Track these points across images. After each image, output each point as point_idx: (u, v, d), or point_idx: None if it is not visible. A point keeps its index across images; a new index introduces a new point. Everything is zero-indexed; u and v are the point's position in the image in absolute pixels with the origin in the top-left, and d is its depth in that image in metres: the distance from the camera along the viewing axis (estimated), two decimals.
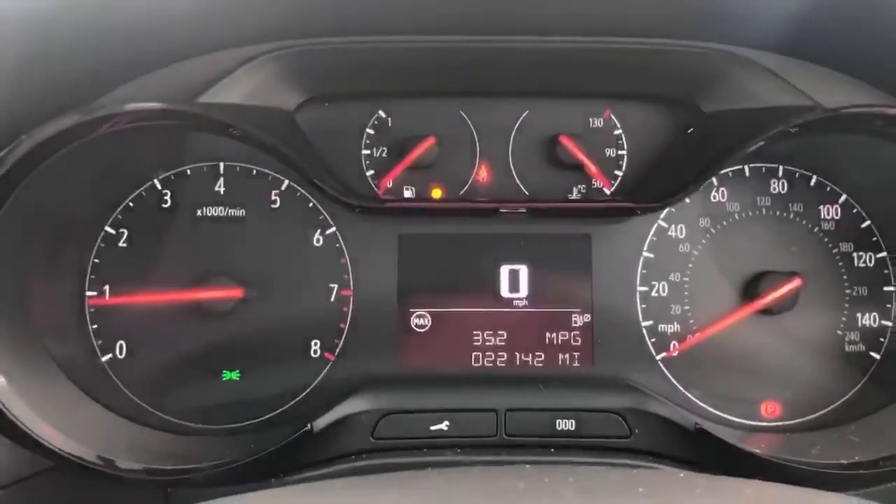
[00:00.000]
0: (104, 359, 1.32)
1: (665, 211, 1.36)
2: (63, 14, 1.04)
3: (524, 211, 1.31)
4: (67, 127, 1.05)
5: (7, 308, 1.15)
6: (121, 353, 1.32)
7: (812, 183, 1.38)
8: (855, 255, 1.37)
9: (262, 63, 1.23)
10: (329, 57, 1.25)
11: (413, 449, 1.20)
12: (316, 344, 1.34)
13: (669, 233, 1.37)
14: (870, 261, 1.37)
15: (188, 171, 1.35)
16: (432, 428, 1.23)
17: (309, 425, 1.17)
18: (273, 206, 1.36)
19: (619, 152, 1.38)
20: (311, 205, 1.36)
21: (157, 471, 1.11)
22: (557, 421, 1.24)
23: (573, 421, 1.24)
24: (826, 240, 1.37)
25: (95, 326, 1.32)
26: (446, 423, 1.23)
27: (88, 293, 1.33)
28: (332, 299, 1.35)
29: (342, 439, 1.20)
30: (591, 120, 1.39)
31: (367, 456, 1.19)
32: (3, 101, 1.09)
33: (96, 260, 1.33)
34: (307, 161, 1.22)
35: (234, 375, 1.33)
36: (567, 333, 1.36)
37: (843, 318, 1.36)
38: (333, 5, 1.15)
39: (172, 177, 1.35)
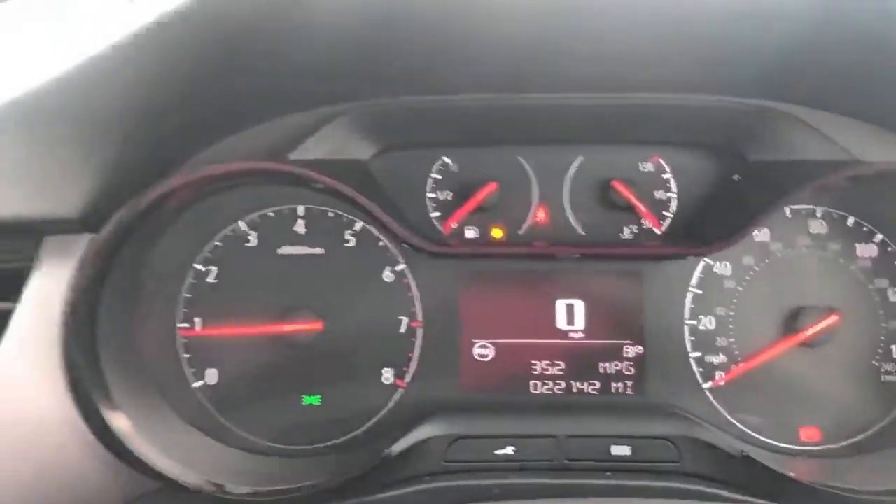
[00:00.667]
0: (197, 385, 1.45)
1: None
2: (169, 77, 1.16)
3: (579, 256, 1.43)
4: (175, 188, 1.18)
5: (121, 347, 1.28)
6: (211, 380, 1.45)
7: (849, 223, 1.48)
8: (890, 290, 1.47)
9: (343, 121, 1.35)
10: (401, 113, 1.38)
11: (481, 472, 1.31)
12: (388, 372, 1.46)
13: (715, 270, 1.47)
14: None
15: (270, 213, 1.48)
16: (498, 452, 1.34)
17: (388, 450, 1.29)
18: (347, 244, 1.49)
19: (668, 195, 1.49)
20: (381, 243, 1.48)
21: (261, 493, 1.23)
22: (612, 446, 1.34)
23: (627, 446, 1.34)
24: (862, 276, 1.47)
25: (188, 356, 1.45)
26: (511, 447, 1.34)
27: (181, 325, 1.45)
28: (402, 331, 1.47)
29: (416, 463, 1.31)
30: (640, 164, 1.50)
31: (438, 479, 1.30)
32: (114, 155, 1.22)
33: (188, 295, 1.46)
34: (384, 209, 1.33)
35: (315, 400, 1.45)
36: (620, 364, 1.46)
37: (879, 350, 1.46)
38: (407, 71, 1.27)
39: (256, 218, 1.48)
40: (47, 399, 1.20)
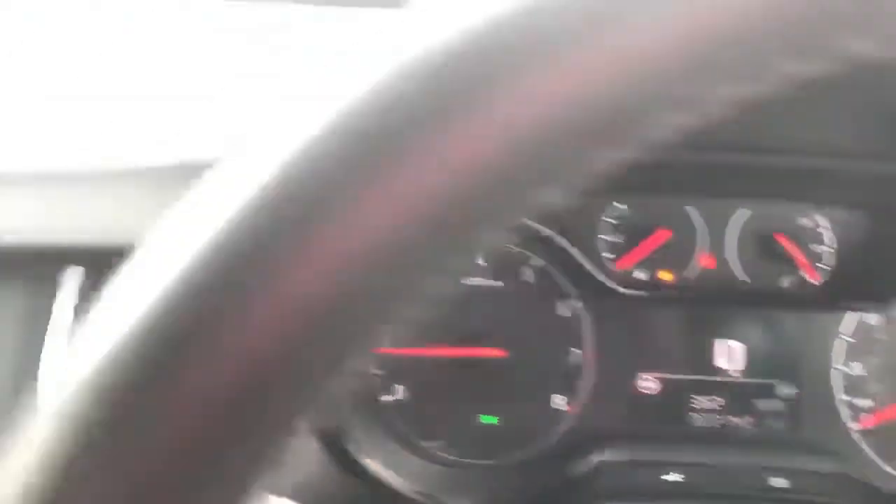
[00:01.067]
0: (388, 399, 1.60)
1: None
2: None
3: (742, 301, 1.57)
4: None
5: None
6: (400, 395, 1.61)
7: None
8: None
9: None
10: None
11: (655, 495, 1.45)
12: (559, 399, 1.61)
13: (867, 320, 1.60)
14: None
15: None
16: (665, 478, 1.47)
17: (571, 470, 1.44)
18: (525, 278, 1.63)
19: (826, 249, 1.61)
20: (556, 279, 1.63)
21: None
22: (770, 478, 1.47)
23: (784, 479, 1.47)
24: None
25: (381, 373, 1.61)
26: (679, 475, 1.47)
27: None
28: (573, 361, 1.61)
29: (596, 484, 1.46)
30: (800, 219, 1.62)
31: (618, 500, 1.44)
32: None
33: None
34: (576, 252, 1.49)
35: (492, 420, 1.60)
36: (774, 402, 1.59)
37: None
38: None
39: None
40: None
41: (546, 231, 1.50)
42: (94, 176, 1.32)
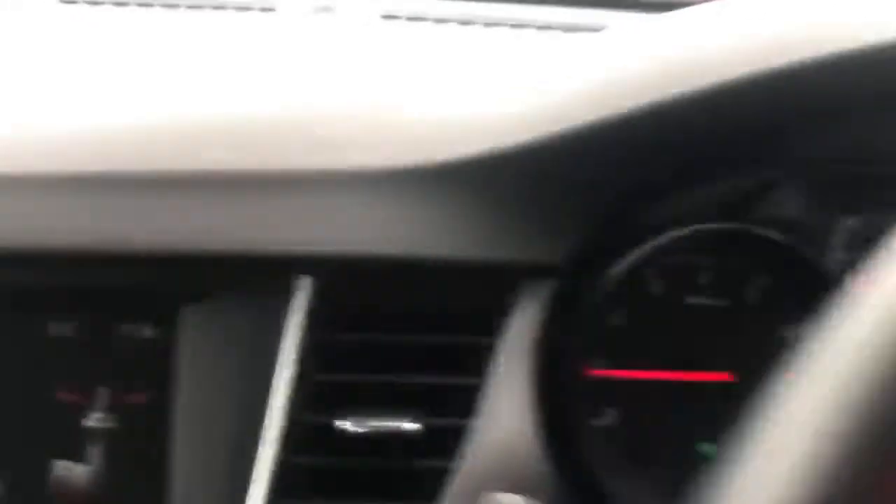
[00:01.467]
0: (598, 424, 1.50)
1: None
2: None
3: None
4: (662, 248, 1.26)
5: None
6: (611, 421, 1.51)
7: None
8: None
9: (792, 185, 1.40)
10: (847, 178, 1.42)
11: None
12: None
13: None
14: None
15: (676, 263, 1.52)
16: None
17: None
18: (748, 298, 1.51)
19: None
20: (781, 300, 1.51)
21: None
22: None
23: None
24: None
25: (592, 395, 1.51)
26: None
27: (586, 365, 1.52)
28: None
29: None
30: None
31: None
32: (593, 213, 1.29)
33: (593, 335, 1.52)
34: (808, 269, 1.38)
35: (712, 450, 1.49)
36: None
37: None
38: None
39: (660, 267, 1.53)
40: (518, 430, 1.29)
41: (777, 246, 1.39)
42: (323, 180, 1.26)
